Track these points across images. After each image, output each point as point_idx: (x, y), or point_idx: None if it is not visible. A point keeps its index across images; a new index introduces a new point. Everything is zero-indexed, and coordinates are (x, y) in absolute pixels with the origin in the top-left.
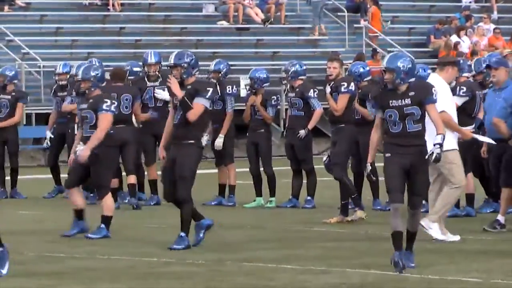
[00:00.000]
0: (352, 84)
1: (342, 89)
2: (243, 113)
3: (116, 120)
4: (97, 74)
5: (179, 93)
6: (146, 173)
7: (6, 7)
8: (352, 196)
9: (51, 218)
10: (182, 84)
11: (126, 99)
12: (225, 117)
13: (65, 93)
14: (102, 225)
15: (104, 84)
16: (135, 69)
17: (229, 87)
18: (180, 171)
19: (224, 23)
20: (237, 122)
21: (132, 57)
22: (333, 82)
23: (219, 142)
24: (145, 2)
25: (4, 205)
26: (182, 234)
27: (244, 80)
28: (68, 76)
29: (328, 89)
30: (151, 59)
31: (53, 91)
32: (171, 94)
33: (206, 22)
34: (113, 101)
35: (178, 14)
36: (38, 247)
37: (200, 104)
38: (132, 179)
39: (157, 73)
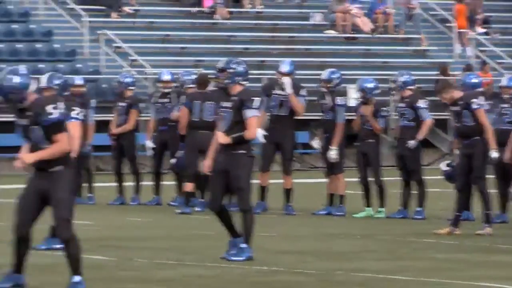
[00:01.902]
0: (480, 98)
1: (474, 106)
2: (352, 123)
3: (199, 126)
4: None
5: (226, 140)
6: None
7: (114, 14)
8: (487, 212)
9: (162, 225)
10: (226, 92)
11: (209, 106)
12: (335, 127)
13: (166, 100)
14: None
15: (189, 90)
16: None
17: (339, 98)
18: (236, 183)
19: (332, 32)
20: (346, 132)
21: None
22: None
23: (332, 154)
24: (253, 10)
25: (113, 211)
26: (244, 245)
27: (352, 90)
28: (173, 84)
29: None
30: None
31: (152, 97)
32: (217, 102)
33: (314, 31)
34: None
35: (286, 23)
36: (149, 254)
37: (252, 118)
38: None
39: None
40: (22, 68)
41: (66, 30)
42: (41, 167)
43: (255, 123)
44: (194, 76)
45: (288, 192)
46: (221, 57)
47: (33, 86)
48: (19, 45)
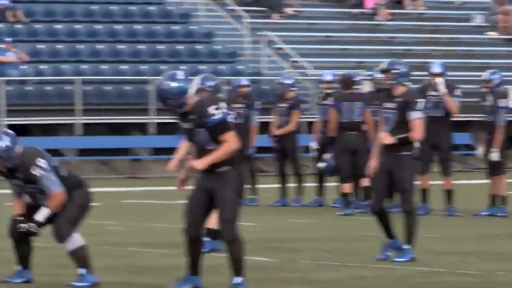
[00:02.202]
0: None
1: None
2: None
3: (348, 127)
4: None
5: (390, 140)
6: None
7: (275, 15)
8: None
9: (325, 226)
10: (389, 94)
11: (358, 107)
12: (496, 129)
13: (329, 102)
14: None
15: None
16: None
17: (502, 100)
18: (400, 185)
19: (493, 34)
20: (507, 133)
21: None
22: None
23: (493, 156)
24: (415, 12)
25: (275, 213)
26: (407, 246)
27: None
28: (335, 85)
29: None
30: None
31: (316, 99)
32: (382, 105)
33: (475, 32)
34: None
35: (447, 24)
36: (312, 255)
37: (417, 120)
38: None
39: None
40: (180, 73)
41: (226, 31)
42: (208, 168)
43: (421, 125)
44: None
45: (449, 193)
46: (382, 58)
47: (192, 90)
48: (179, 47)
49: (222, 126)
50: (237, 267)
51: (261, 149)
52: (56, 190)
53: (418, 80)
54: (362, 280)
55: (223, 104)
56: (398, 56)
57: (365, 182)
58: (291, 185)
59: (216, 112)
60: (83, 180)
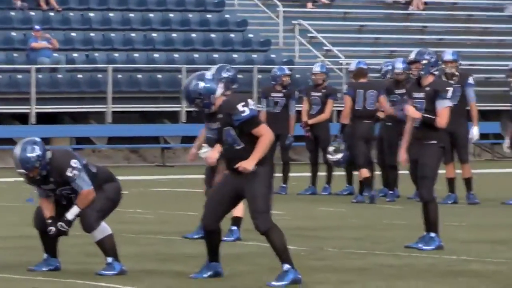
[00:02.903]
0: None
1: None
2: None
3: (362, 116)
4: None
5: (417, 114)
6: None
7: (309, 4)
8: None
9: (353, 214)
10: (419, 83)
11: (371, 95)
12: None
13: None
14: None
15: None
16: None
17: None
18: (421, 172)
19: None
20: None
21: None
22: None
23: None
24: (448, 1)
25: (304, 201)
26: (432, 234)
27: None
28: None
29: None
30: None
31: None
32: (409, 95)
33: (508, 22)
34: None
35: (480, 14)
36: (340, 243)
37: (444, 108)
38: (365, 172)
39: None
40: (208, 73)
41: (260, 20)
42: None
43: (447, 114)
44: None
45: (467, 181)
46: (415, 47)
47: (220, 91)
48: (213, 35)
49: (253, 122)
50: (281, 254)
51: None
52: (86, 188)
53: None
54: (390, 268)
55: (250, 101)
56: (430, 45)
57: (365, 173)
58: (322, 173)
59: (245, 109)
60: (113, 175)
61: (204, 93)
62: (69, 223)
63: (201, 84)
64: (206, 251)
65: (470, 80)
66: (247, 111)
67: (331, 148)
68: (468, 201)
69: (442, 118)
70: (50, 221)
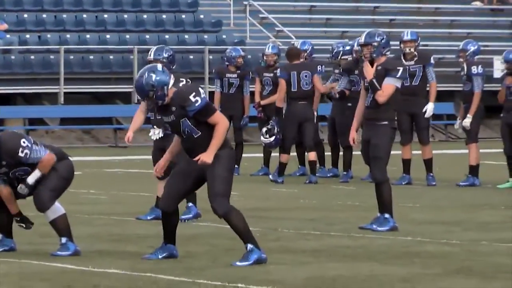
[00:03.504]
0: None
1: None
2: (498, 94)
3: (297, 97)
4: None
5: (369, 75)
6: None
7: None
8: None
9: (307, 195)
10: (372, 64)
11: (305, 76)
12: (472, 98)
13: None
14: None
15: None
16: (347, 48)
17: (474, 67)
18: (374, 152)
19: (478, 4)
20: (490, 103)
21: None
22: None
23: (466, 122)
24: None
25: (257, 183)
26: (386, 215)
27: (497, 61)
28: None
29: None
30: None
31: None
32: (362, 76)
33: (460, 2)
34: None
35: None
36: (295, 224)
37: (389, 85)
38: (312, 155)
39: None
40: (159, 65)
41: (211, 0)
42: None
43: (390, 91)
44: (347, 48)
45: (427, 162)
46: (366, 28)
47: (171, 81)
48: (164, 16)
49: (207, 111)
50: (243, 235)
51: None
52: (44, 155)
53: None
54: (345, 249)
55: (201, 89)
56: (382, 26)
57: (311, 156)
58: (274, 155)
59: (197, 99)
60: (65, 153)
61: (157, 85)
62: (29, 187)
63: (153, 76)
64: (163, 232)
65: (431, 60)
66: (199, 101)
67: (264, 129)
68: (428, 183)
69: (384, 93)
70: (18, 218)
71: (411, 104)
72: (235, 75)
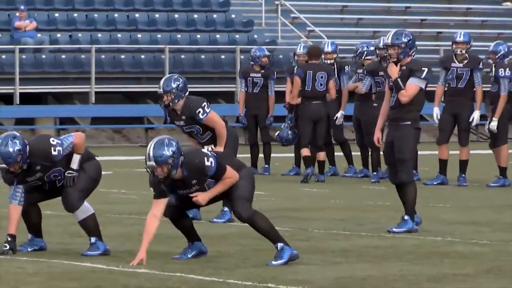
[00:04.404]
0: None
1: None
2: None
3: (311, 96)
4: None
5: (394, 75)
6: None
7: None
8: None
9: (337, 195)
10: (397, 65)
11: (321, 77)
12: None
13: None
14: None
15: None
16: (371, 48)
17: (501, 70)
18: (399, 154)
19: (509, 4)
20: None
21: (417, 37)
22: None
23: (493, 126)
24: None
25: (288, 182)
26: (406, 217)
27: None
28: (335, 55)
29: None
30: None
31: None
32: (387, 75)
33: (491, 3)
34: None
35: None
36: (324, 224)
37: (413, 85)
38: (321, 155)
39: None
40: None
41: (243, 0)
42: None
43: (413, 91)
44: (372, 48)
45: (463, 164)
46: (397, 28)
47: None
48: (196, 15)
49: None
50: (271, 236)
51: (276, 118)
52: (73, 139)
53: (434, 50)
54: (375, 249)
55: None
56: (413, 26)
57: (320, 156)
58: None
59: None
60: (92, 153)
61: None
62: (76, 170)
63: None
64: (183, 235)
65: (480, 65)
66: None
67: (285, 125)
68: (459, 183)
69: (407, 93)
70: (10, 239)
71: (455, 105)
72: (259, 75)
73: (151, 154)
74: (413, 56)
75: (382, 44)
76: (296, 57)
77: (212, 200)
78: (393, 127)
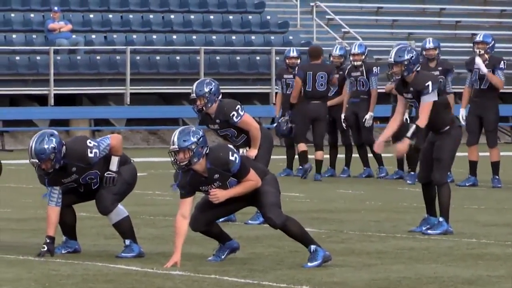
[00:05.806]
0: None
1: None
2: None
3: (311, 96)
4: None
5: (405, 147)
6: None
7: None
8: None
9: (372, 197)
10: (404, 83)
11: (321, 77)
12: None
13: (358, 74)
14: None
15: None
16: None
17: None
18: (436, 154)
19: None
20: None
21: (452, 38)
22: None
23: None
24: None
25: (323, 184)
26: (441, 219)
27: None
28: (363, 57)
29: None
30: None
31: (347, 71)
32: (398, 91)
33: None
34: None
35: None
36: (360, 226)
37: (426, 104)
38: (320, 154)
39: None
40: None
41: (278, 1)
42: None
43: (427, 111)
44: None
45: (495, 165)
46: (432, 29)
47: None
48: (231, 17)
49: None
50: (304, 239)
51: None
52: (110, 141)
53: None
54: (410, 251)
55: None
56: (447, 28)
57: (319, 155)
58: (341, 156)
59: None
60: (128, 157)
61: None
62: (115, 172)
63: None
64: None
65: (502, 64)
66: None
67: (282, 119)
68: (493, 185)
69: (422, 117)
70: (48, 240)
71: (480, 106)
72: (291, 76)
73: (175, 139)
74: (417, 71)
75: (429, 46)
76: (331, 59)
77: (234, 207)
78: (434, 134)
